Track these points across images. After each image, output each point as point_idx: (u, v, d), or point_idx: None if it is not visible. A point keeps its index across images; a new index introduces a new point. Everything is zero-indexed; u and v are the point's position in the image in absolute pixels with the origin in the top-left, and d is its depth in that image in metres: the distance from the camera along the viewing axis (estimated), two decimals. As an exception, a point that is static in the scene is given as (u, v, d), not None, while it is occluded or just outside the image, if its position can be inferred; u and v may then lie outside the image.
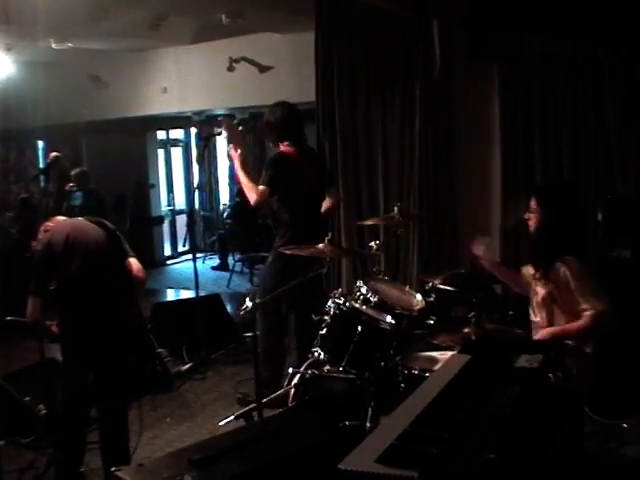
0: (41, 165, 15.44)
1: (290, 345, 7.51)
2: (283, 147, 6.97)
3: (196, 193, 17.27)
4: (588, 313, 4.47)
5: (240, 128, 7.56)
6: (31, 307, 5.28)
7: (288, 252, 5.70)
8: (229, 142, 7.19)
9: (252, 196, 6.78)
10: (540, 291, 4.77)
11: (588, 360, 4.60)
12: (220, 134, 7.88)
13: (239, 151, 7.02)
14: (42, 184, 12.71)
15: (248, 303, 4.98)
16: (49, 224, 5.58)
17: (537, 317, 4.82)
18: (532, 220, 4.87)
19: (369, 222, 7.51)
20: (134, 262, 5.62)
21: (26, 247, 6.53)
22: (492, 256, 5.33)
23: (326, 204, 7.12)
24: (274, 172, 6.80)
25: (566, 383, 4.14)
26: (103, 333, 5.36)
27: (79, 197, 11.87)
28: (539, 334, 4.71)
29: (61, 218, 5.76)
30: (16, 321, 6.04)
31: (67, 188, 11.97)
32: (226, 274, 14.56)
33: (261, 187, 6.74)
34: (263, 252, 13.27)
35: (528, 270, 5.04)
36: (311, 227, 6.67)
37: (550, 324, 4.72)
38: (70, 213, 10.27)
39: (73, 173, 12.13)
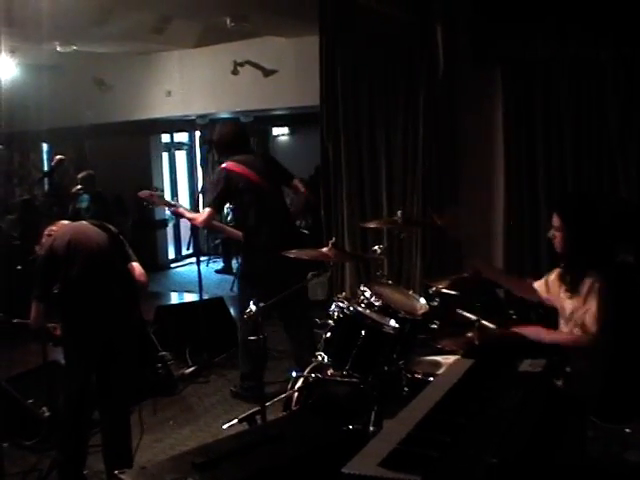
0: (45, 168, 15.45)
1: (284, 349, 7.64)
2: (226, 163, 7.34)
3: (200, 197, 17.26)
4: (579, 330, 4.48)
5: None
6: (35, 312, 5.30)
7: (292, 256, 5.71)
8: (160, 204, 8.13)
9: (197, 220, 7.38)
10: (568, 305, 4.73)
11: (592, 364, 4.59)
12: None
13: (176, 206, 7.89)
14: (46, 187, 12.73)
15: (252, 307, 5.00)
16: (52, 228, 5.59)
17: (566, 329, 4.78)
18: (557, 238, 4.80)
19: (372, 224, 7.54)
20: (136, 266, 5.64)
21: (27, 250, 6.54)
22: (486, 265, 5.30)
23: (298, 199, 7.88)
24: (216, 192, 7.24)
25: (569, 387, 4.14)
26: (105, 336, 5.37)
27: (86, 200, 11.90)
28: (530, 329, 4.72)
29: (64, 222, 5.78)
30: (20, 323, 6.05)
31: (74, 191, 11.99)
32: (230, 277, 14.51)
33: (206, 209, 7.28)
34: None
35: (541, 285, 5.02)
36: (273, 230, 7.16)
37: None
38: (76, 216, 10.29)
39: (80, 176, 12.16)
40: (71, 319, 5.40)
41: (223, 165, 7.36)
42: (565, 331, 4.74)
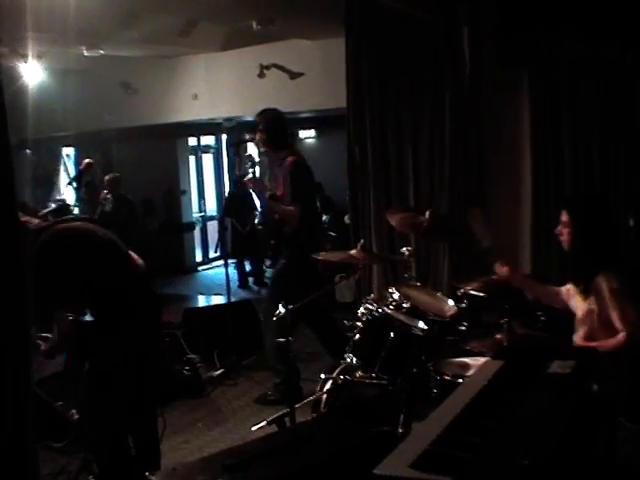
0: (73, 172, 15.55)
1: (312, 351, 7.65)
2: (291, 157, 7.24)
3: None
4: (621, 335, 4.45)
5: None
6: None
7: (320, 258, 5.72)
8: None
9: (292, 219, 7.14)
10: (581, 307, 4.72)
11: (622, 366, 4.56)
12: (252, 140, 7.99)
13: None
14: (74, 191, 12.82)
15: (281, 309, 5.00)
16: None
17: (579, 333, 4.77)
18: (565, 235, 4.80)
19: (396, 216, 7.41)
20: (131, 254, 5.51)
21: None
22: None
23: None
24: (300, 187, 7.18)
25: (599, 389, 4.12)
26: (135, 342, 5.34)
27: (110, 202, 11.98)
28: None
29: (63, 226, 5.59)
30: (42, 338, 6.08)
31: (102, 195, 12.11)
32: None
33: (291, 208, 7.10)
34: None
35: (564, 290, 4.99)
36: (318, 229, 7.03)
37: (589, 339, 4.67)
38: (102, 219, 10.33)
39: (106, 178, 12.24)
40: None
41: (291, 158, 7.25)
42: (580, 334, 4.73)
